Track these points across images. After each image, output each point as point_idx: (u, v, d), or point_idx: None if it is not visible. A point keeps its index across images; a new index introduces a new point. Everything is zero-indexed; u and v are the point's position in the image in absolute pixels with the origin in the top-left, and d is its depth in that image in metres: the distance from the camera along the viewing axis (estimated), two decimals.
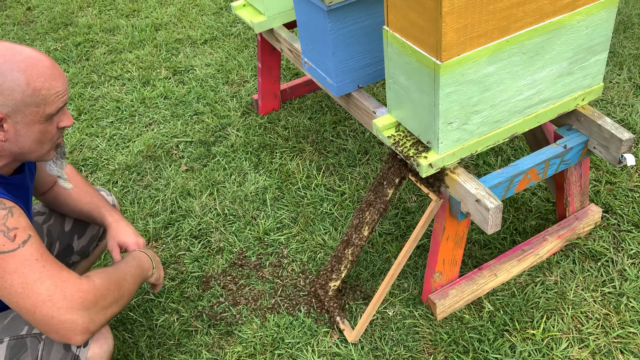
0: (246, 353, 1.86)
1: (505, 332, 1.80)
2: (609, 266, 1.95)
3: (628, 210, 2.11)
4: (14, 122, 1.28)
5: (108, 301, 1.32)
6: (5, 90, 1.24)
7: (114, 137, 2.92)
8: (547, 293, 1.89)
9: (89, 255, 1.88)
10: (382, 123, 1.72)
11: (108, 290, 1.33)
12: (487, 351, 1.75)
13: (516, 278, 1.95)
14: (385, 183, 1.80)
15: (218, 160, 2.66)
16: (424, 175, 1.60)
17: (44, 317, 1.23)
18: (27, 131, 1.30)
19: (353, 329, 1.86)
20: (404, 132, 1.69)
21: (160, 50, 3.61)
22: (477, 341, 1.78)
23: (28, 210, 1.49)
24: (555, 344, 1.75)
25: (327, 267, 1.96)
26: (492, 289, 1.92)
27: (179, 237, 2.31)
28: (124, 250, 1.67)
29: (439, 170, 1.61)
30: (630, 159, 1.70)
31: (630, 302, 1.83)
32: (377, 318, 1.89)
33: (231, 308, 2.01)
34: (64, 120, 1.38)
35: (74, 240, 1.80)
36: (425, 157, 1.59)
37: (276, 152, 2.65)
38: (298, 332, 1.89)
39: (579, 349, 1.74)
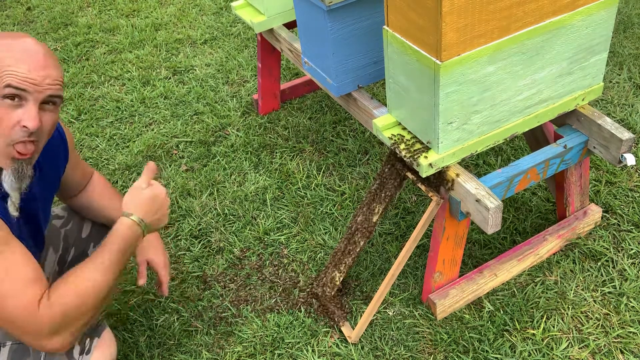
0: (246, 353, 1.86)
1: (505, 332, 1.80)
2: (609, 266, 1.95)
3: (628, 210, 2.11)
4: None
5: (80, 312, 1.24)
6: None
7: (114, 137, 2.92)
8: (547, 293, 1.89)
9: None
10: (382, 123, 1.72)
11: (75, 304, 1.23)
12: (487, 351, 1.75)
13: (516, 278, 1.95)
14: (385, 184, 1.80)
15: (218, 160, 2.66)
16: (424, 175, 1.60)
17: (24, 340, 1.22)
18: None
19: (353, 329, 1.86)
20: (404, 132, 1.69)
21: (160, 50, 3.61)
22: (477, 341, 1.78)
23: (38, 222, 1.45)
24: (555, 344, 1.75)
25: (327, 266, 1.96)
26: (492, 289, 1.92)
27: (179, 237, 2.31)
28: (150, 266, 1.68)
29: (439, 170, 1.62)
30: (630, 159, 1.70)
31: (631, 302, 1.83)
32: (377, 318, 1.89)
33: (231, 308, 2.01)
34: (25, 117, 1.18)
35: (90, 247, 1.79)
36: (425, 157, 1.59)
37: (276, 152, 2.65)
38: (298, 332, 1.89)
39: (579, 348, 1.74)
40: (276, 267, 2.13)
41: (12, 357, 1.33)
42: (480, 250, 2.08)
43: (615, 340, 1.75)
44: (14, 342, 1.35)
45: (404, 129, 1.69)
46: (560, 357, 1.72)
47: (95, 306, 1.26)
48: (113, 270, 1.30)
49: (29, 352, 1.34)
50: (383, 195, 1.81)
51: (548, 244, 1.98)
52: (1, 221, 1.21)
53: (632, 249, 1.98)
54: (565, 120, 1.84)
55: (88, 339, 1.41)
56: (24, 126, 1.19)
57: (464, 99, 1.50)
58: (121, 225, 1.36)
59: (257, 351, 1.85)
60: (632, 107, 2.59)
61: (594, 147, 1.78)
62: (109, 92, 3.27)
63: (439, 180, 1.68)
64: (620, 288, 1.87)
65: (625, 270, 1.93)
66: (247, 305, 2.01)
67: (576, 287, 1.90)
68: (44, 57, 1.20)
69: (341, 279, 1.92)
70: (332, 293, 1.93)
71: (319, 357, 1.81)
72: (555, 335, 1.78)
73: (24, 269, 1.20)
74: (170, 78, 3.33)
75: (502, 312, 1.85)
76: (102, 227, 1.80)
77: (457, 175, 1.62)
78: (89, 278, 1.26)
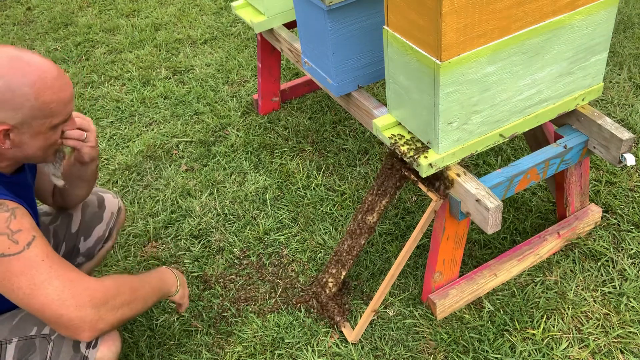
0: (246, 353, 1.86)
1: (505, 332, 1.80)
2: (609, 266, 1.95)
3: (628, 210, 2.11)
4: (21, 132, 1.29)
5: (118, 302, 1.32)
6: (15, 104, 1.25)
7: (114, 137, 2.92)
8: (547, 293, 1.89)
9: (94, 257, 1.88)
10: (382, 123, 1.72)
11: (119, 291, 1.33)
12: (487, 351, 1.75)
13: (516, 278, 1.95)
14: (385, 184, 1.80)
15: (218, 160, 2.66)
16: (424, 175, 1.60)
17: (53, 316, 1.24)
18: (31, 140, 1.32)
19: (353, 329, 1.86)
20: (404, 132, 1.69)
21: (160, 50, 3.61)
22: (477, 341, 1.78)
23: (33, 208, 1.49)
24: (555, 344, 1.75)
25: (327, 266, 1.96)
26: (492, 289, 1.92)
27: (179, 237, 2.31)
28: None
29: (439, 170, 1.62)
30: (630, 159, 1.70)
31: (630, 302, 1.83)
32: (377, 318, 1.89)
33: (231, 308, 2.01)
34: (69, 125, 1.41)
35: (80, 241, 1.81)
36: (425, 157, 1.59)
37: (276, 152, 2.65)
38: (298, 332, 1.89)
39: (579, 348, 1.74)
40: (276, 267, 2.13)
41: (18, 354, 1.35)
42: (480, 250, 2.08)
43: (615, 340, 1.75)
44: (21, 339, 1.37)
45: (404, 129, 1.69)
46: (560, 357, 1.72)
47: (130, 303, 1.37)
48: (154, 291, 1.49)
49: (35, 348, 1.36)
50: (383, 195, 1.81)
51: (548, 244, 1.98)
52: (26, 211, 1.32)
53: (632, 249, 1.98)
54: (565, 120, 1.84)
55: None
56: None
57: (464, 99, 1.50)
58: (168, 273, 1.61)
59: (257, 351, 1.85)
60: (632, 107, 2.59)
61: (594, 147, 1.78)
62: (109, 92, 3.27)
63: (439, 180, 1.68)
64: (620, 288, 1.87)
65: (625, 270, 1.93)
66: (247, 305, 2.01)
67: (576, 287, 1.90)
68: (63, 74, 1.34)
69: (341, 278, 1.92)
70: (332, 293, 1.93)
71: (319, 357, 1.81)
72: (555, 335, 1.78)
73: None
74: (170, 78, 3.33)
75: (502, 312, 1.85)
76: (91, 220, 1.82)
77: (457, 175, 1.62)
78: (142, 282, 1.46)
